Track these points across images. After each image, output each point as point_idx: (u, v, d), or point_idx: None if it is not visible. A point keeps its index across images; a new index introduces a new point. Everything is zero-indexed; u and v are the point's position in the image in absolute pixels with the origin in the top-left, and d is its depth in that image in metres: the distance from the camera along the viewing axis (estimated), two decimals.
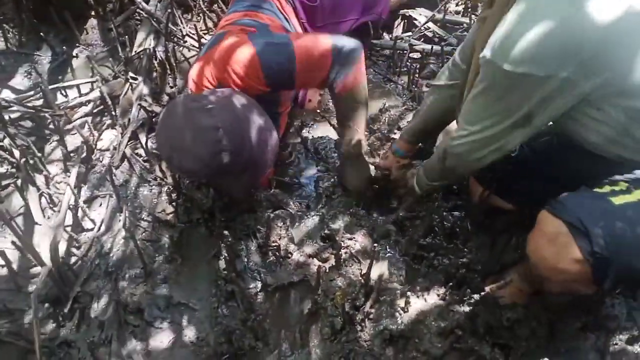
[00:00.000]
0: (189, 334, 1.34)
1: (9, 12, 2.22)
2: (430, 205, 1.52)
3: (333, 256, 1.44)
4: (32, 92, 1.93)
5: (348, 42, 1.41)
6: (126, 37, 2.09)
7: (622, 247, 0.91)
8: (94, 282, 1.44)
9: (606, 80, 0.92)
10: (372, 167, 1.66)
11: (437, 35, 2.30)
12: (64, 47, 2.12)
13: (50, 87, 1.91)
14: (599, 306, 1.30)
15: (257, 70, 1.34)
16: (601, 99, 0.96)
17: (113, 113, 1.85)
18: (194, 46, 2.15)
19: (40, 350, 1.18)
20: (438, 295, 1.34)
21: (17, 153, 1.64)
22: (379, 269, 1.46)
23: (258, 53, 1.33)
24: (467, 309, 1.29)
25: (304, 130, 1.92)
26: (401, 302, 1.32)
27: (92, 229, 1.59)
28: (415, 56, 2.20)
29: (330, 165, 1.77)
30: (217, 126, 1.22)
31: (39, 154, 1.68)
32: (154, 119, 1.88)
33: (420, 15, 2.36)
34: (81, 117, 1.89)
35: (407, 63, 2.17)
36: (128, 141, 1.77)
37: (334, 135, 1.88)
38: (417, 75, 2.10)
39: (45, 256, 1.39)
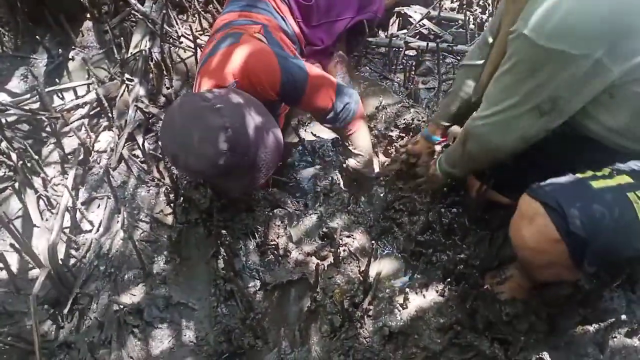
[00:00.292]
0: (189, 333, 1.34)
1: (4, 15, 2.22)
2: (427, 202, 1.52)
3: (331, 254, 1.44)
4: (28, 95, 1.93)
5: (349, 90, 1.57)
6: (121, 38, 2.09)
7: (600, 229, 0.93)
8: (93, 283, 1.44)
9: (633, 66, 0.92)
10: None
11: (432, 33, 2.30)
12: (59, 50, 2.12)
13: (47, 89, 1.91)
14: (597, 300, 1.30)
15: (276, 80, 1.40)
16: (619, 86, 0.96)
17: (109, 115, 1.85)
18: (189, 47, 2.14)
19: (40, 351, 1.19)
20: (437, 291, 1.35)
21: (14, 156, 1.64)
22: (378, 266, 1.46)
23: (280, 65, 1.40)
24: (466, 304, 1.29)
25: (301, 129, 1.92)
26: (400, 299, 1.32)
27: (90, 231, 1.59)
28: (410, 53, 2.20)
29: (327, 164, 1.77)
30: (226, 126, 1.21)
31: (36, 157, 1.68)
32: (150, 120, 1.88)
33: (416, 12, 2.36)
34: (78, 119, 1.90)
35: (403, 60, 2.17)
36: (125, 142, 1.77)
37: (330, 134, 1.88)
38: (413, 73, 2.10)
39: (44, 258, 1.39)
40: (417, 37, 2.28)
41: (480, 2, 2.45)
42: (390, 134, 1.81)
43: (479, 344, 1.22)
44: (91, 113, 1.93)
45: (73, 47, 2.17)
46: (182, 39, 2.19)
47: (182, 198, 1.56)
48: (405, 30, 2.32)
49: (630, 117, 1.01)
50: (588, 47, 0.91)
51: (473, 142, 1.23)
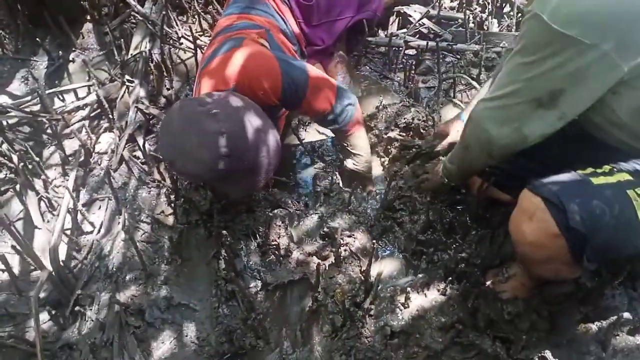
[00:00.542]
0: (190, 334, 1.34)
1: (4, 17, 2.22)
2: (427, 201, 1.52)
3: (332, 254, 1.44)
4: (29, 97, 1.93)
5: (348, 93, 1.59)
6: (122, 40, 2.09)
7: (599, 225, 0.93)
8: (94, 285, 1.44)
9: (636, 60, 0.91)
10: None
11: (432, 32, 2.30)
12: (60, 52, 2.13)
13: (47, 91, 1.91)
14: (599, 297, 1.29)
15: (277, 84, 1.40)
16: (624, 83, 0.95)
17: (110, 116, 1.86)
18: (189, 48, 2.14)
19: (42, 353, 1.19)
20: (438, 290, 1.34)
21: (15, 158, 1.64)
22: (379, 266, 1.46)
23: (282, 69, 1.40)
24: (467, 303, 1.29)
25: (301, 130, 1.92)
26: (401, 298, 1.32)
27: (91, 232, 1.59)
28: (410, 53, 2.20)
29: (327, 164, 1.78)
30: (222, 131, 1.21)
31: (37, 159, 1.68)
32: (151, 121, 1.88)
33: (415, 11, 2.36)
34: (78, 121, 1.90)
35: (403, 60, 2.17)
36: (126, 144, 1.78)
37: (330, 134, 1.88)
38: (413, 72, 2.10)
39: (46, 260, 1.39)
40: (417, 36, 2.28)
41: (480, 1, 2.44)
42: (391, 133, 1.81)
43: (481, 342, 1.22)
44: (92, 115, 1.93)
45: (73, 49, 2.18)
46: (182, 40, 2.19)
47: (182, 199, 1.56)
48: (405, 30, 2.31)
49: (630, 115, 1.00)
50: (599, 37, 0.89)
51: (471, 129, 1.21)
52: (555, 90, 0.98)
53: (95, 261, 1.49)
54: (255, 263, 1.45)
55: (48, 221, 1.62)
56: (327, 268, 1.42)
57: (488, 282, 1.32)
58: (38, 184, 1.67)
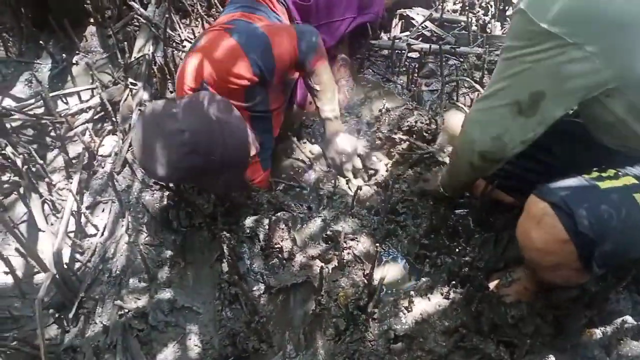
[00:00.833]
0: (194, 337, 1.34)
1: (8, 21, 2.23)
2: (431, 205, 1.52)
3: (336, 257, 1.44)
4: (33, 100, 1.94)
5: (306, 27, 1.62)
6: (125, 43, 2.10)
7: (607, 230, 0.92)
8: (98, 288, 1.44)
9: (624, 71, 0.91)
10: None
11: (435, 34, 2.30)
12: (63, 55, 2.13)
13: (51, 94, 1.92)
14: (603, 302, 1.29)
15: (242, 59, 1.39)
16: (613, 89, 0.94)
17: (113, 119, 1.86)
18: None
19: (45, 356, 1.18)
20: (442, 294, 1.34)
21: (19, 161, 1.65)
22: (382, 269, 1.46)
23: (239, 43, 1.40)
24: (471, 307, 1.28)
25: (304, 132, 1.92)
26: (405, 302, 1.32)
27: (95, 235, 1.59)
28: (413, 55, 2.20)
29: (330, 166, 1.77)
30: (182, 129, 1.24)
31: (41, 162, 1.69)
32: None
33: (418, 14, 2.36)
34: (82, 124, 1.91)
35: (406, 62, 2.17)
36: (129, 147, 1.78)
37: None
38: (416, 75, 2.10)
39: (49, 262, 1.39)
40: (420, 39, 2.28)
41: (483, 4, 2.44)
42: (394, 136, 1.80)
43: (485, 347, 1.21)
44: (95, 117, 1.94)
45: (77, 52, 2.19)
46: (185, 43, 2.20)
47: (185, 202, 1.56)
48: (407, 33, 2.31)
49: (625, 116, 0.99)
50: (583, 38, 0.88)
51: (460, 132, 1.21)
52: (536, 93, 0.98)
53: (99, 264, 1.49)
54: (258, 266, 1.45)
55: (52, 224, 1.63)
56: (330, 271, 1.42)
57: (492, 286, 1.32)
58: (42, 186, 1.67)
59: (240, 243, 1.49)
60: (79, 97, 1.99)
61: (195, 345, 1.33)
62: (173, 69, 2.00)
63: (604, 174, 1.01)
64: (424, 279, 1.42)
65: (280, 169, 1.79)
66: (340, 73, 2.04)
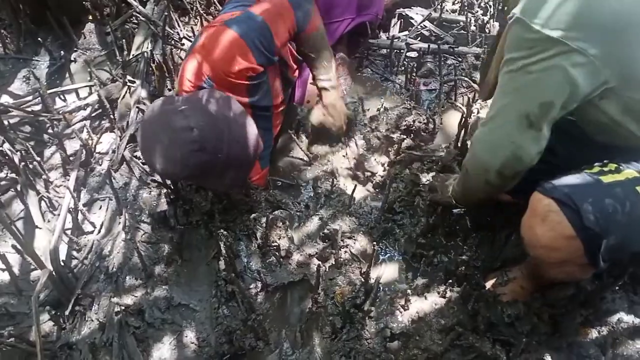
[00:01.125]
0: (190, 334, 1.34)
1: (6, 17, 2.23)
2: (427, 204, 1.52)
3: (333, 255, 1.44)
4: (30, 97, 1.94)
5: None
6: (123, 40, 2.10)
7: (613, 224, 0.92)
8: (94, 285, 1.44)
9: (622, 70, 0.91)
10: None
11: (433, 34, 2.30)
12: (61, 52, 2.13)
13: (49, 91, 1.91)
14: (599, 301, 1.29)
15: (244, 49, 1.38)
16: (609, 90, 0.94)
17: (111, 116, 1.86)
18: None
19: (41, 352, 1.18)
20: (438, 292, 1.34)
21: (16, 158, 1.65)
22: (379, 268, 1.46)
23: (239, 33, 1.38)
24: (467, 306, 1.29)
25: (301, 130, 1.92)
26: (401, 300, 1.32)
27: (92, 232, 1.59)
28: (412, 55, 2.20)
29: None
30: (191, 126, 1.23)
31: (38, 159, 1.68)
32: None
33: (417, 14, 2.36)
34: (80, 121, 1.90)
35: (405, 62, 2.18)
36: (127, 144, 1.78)
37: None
38: (414, 74, 2.10)
39: (46, 259, 1.39)
40: (419, 38, 2.28)
41: (482, 4, 2.45)
42: (392, 135, 1.81)
43: (481, 345, 1.22)
44: (93, 115, 1.93)
45: (75, 49, 2.18)
46: (183, 40, 2.19)
47: (183, 200, 1.56)
48: (406, 32, 2.32)
49: (621, 117, 0.99)
50: (584, 41, 0.88)
51: (469, 156, 1.19)
52: (546, 104, 0.96)
53: (95, 261, 1.49)
54: (255, 264, 1.46)
55: (49, 221, 1.62)
56: (327, 270, 1.42)
57: (488, 285, 1.32)
58: (39, 183, 1.67)
59: (238, 241, 1.49)
60: (77, 95, 1.99)
61: (192, 343, 1.33)
62: (171, 67, 2.00)
63: (605, 169, 1.01)
64: (420, 278, 1.42)
65: (278, 167, 1.79)
66: (339, 72, 2.04)
